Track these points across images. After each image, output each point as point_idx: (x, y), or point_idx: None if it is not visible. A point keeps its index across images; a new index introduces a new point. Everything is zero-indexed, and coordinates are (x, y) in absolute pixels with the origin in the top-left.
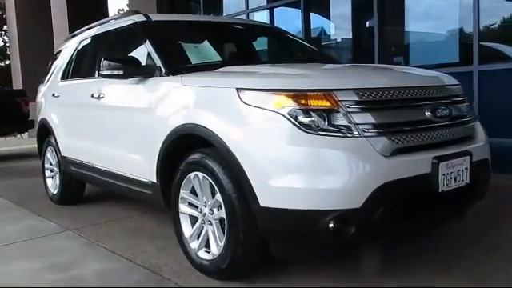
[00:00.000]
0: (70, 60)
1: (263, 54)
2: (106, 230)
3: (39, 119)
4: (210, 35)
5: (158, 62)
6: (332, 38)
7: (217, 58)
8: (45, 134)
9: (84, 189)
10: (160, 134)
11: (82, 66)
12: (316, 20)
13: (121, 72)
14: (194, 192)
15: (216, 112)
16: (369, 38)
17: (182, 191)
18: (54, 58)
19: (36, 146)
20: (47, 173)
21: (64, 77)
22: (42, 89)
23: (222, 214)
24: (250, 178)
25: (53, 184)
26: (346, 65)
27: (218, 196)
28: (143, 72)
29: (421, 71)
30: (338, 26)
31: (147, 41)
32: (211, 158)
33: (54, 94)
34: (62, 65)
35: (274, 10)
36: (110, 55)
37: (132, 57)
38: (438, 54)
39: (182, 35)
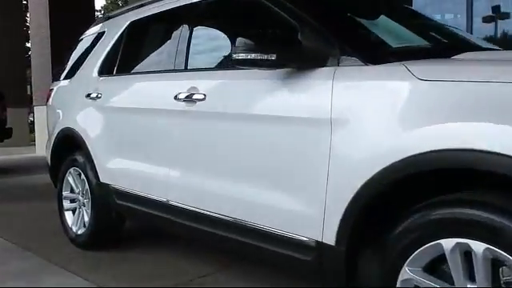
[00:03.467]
0: (115, 48)
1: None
2: None
3: (58, 129)
4: (379, 9)
5: (336, 44)
6: None
7: (412, 39)
8: (67, 149)
9: (122, 227)
10: (357, 165)
11: (142, 56)
12: None
13: (273, 57)
14: (437, 272)
15: None
16: None
17: (406, 268)
18: (75, 47)
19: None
20: (66, 204)
21: (105, 71)
22: (59, 87)
23: None
24: None
25: (76, 220)
26: None
27: None
28: (309, 58)
29: None
30: None
31: (297, 12)
32: None
33: (89, 95)
34: (98, 55)
35: None
36: (248, 32)
37: (287, 34)
38: None
39: (341, 5)
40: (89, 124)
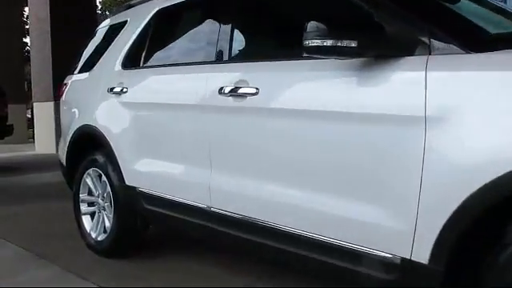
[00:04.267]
0: (141, 38)
1: None
2: None
3: (76, 126)
4: None
5: (425, 29)
6: None
7: (505, 24)
8: (85, 148)
9: (146, 233)
10: (463, 172)
11: (174, 46)
12: None
13: (353, 43)
14: None
15: None
16: None
17: None
18: (91, 38)
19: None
20: (83, 207)
21: (130, 63)
22: (74, 81)
23: None
24: None
25: (95, 225)
26: None
27: None
28: (394, 45)
29: None
30: None
31: None
32: None
33: (111, 89)
34: (120, 46)
35: None
36: (312, 16)
37: (364, 17)
38: None
39: None
40: (112, 121)
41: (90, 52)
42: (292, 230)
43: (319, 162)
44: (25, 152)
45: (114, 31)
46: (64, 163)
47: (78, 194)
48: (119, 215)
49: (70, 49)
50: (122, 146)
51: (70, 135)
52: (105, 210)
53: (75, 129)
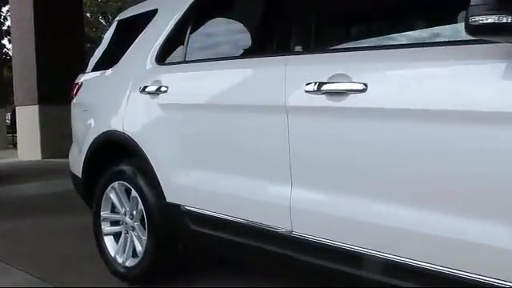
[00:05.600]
0: (179, 28)
1: None
2: None
3: (97, 132)
4: None
5: None
6: None
7: None
8: (109, 158)
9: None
10: None
11: (230, 35)
12: None
13: None
14: None
15: None
16: None
17: None
18: (108, 31)
19: None
20: (106, 227)
21: (167, 58)
22: (89, 81)
23: None
24: None
25: (122, 248)
26: None
27: None
28: None
29: None
30: None
31: None
32: None
33: (144, 89)
34: (152, 39)
35: None
36: None
37: None
38: None
39: None
40: (148, 126)
41: (109, 46)
42: (409, 262)
43: (457, 176)
44: (7, 159)
45: (140, 22)
46: (79, 175)
47: (99, 212)
48: (155, 237)
49: (56, 49)
50: (162, 156)
51: (89, 143)
52: (134, 230)
53: (96, 136)
